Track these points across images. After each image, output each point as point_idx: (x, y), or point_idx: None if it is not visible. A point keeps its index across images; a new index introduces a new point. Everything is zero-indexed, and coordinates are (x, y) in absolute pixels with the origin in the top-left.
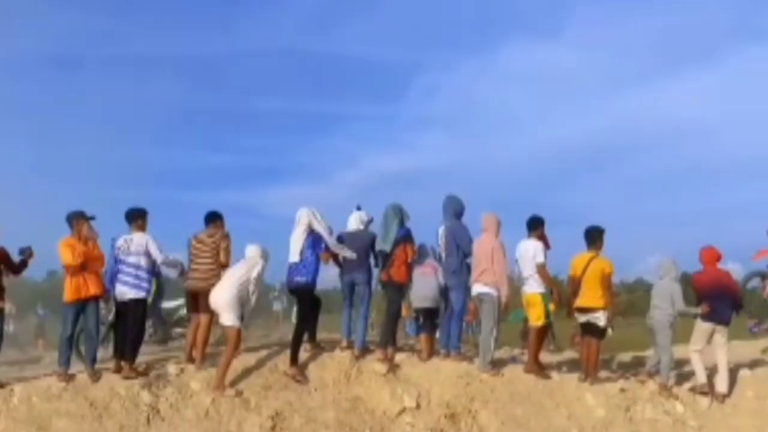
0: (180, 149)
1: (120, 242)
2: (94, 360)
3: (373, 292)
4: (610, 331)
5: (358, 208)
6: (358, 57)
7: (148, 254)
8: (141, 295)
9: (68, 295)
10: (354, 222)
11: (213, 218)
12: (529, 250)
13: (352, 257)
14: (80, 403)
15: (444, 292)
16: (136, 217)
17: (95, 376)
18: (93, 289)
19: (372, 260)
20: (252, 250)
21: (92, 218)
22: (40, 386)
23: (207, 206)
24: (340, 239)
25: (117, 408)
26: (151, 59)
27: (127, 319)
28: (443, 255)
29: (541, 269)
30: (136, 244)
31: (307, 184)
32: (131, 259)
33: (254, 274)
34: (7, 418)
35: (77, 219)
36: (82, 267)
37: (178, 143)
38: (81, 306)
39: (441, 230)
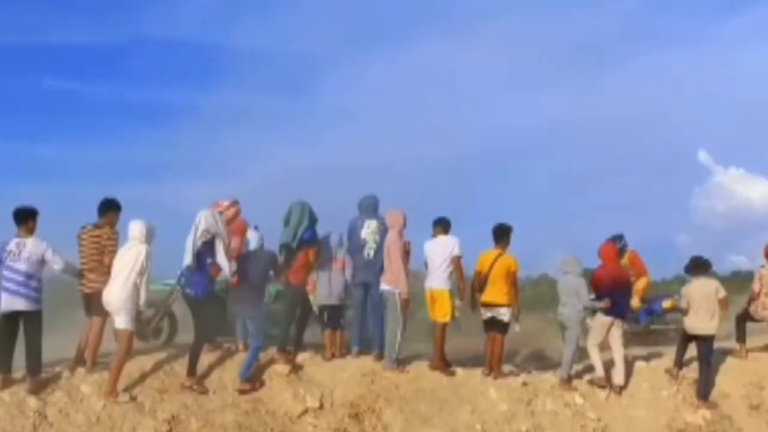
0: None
1: (11, 246)
2: None
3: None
4: (517, 327)
5: (256, 228)
6: (266, 51)
7: (41, 262)
8: (36, 307)
9: None
10: (253, 241)
11: (106, 209)
12: (447, 246)
13: (229, 277)
14: None
15: (348, 288)
16: (27, 218)
17: None
18: None
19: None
20: (135, 229)
21: None
22: None
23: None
24: (245, 257)
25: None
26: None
27: (25, 333)
28: (370, 253)
29: (459, 262)
30: (29, 251)
31: (217, 179)
32: (22, 267)
33: (138, 267)
34: None
35: None
36: None
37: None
38: None
39: (373, 225)
